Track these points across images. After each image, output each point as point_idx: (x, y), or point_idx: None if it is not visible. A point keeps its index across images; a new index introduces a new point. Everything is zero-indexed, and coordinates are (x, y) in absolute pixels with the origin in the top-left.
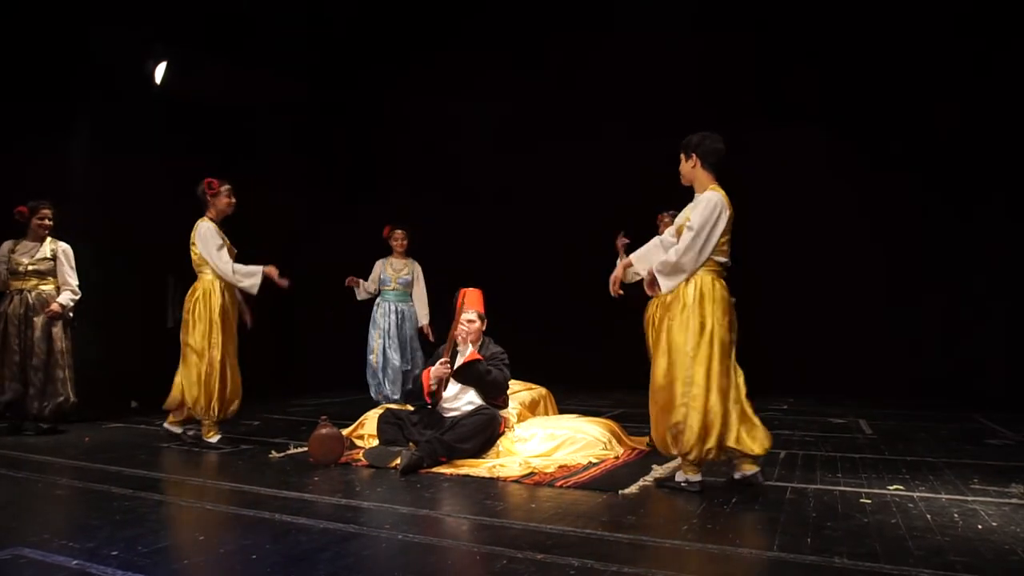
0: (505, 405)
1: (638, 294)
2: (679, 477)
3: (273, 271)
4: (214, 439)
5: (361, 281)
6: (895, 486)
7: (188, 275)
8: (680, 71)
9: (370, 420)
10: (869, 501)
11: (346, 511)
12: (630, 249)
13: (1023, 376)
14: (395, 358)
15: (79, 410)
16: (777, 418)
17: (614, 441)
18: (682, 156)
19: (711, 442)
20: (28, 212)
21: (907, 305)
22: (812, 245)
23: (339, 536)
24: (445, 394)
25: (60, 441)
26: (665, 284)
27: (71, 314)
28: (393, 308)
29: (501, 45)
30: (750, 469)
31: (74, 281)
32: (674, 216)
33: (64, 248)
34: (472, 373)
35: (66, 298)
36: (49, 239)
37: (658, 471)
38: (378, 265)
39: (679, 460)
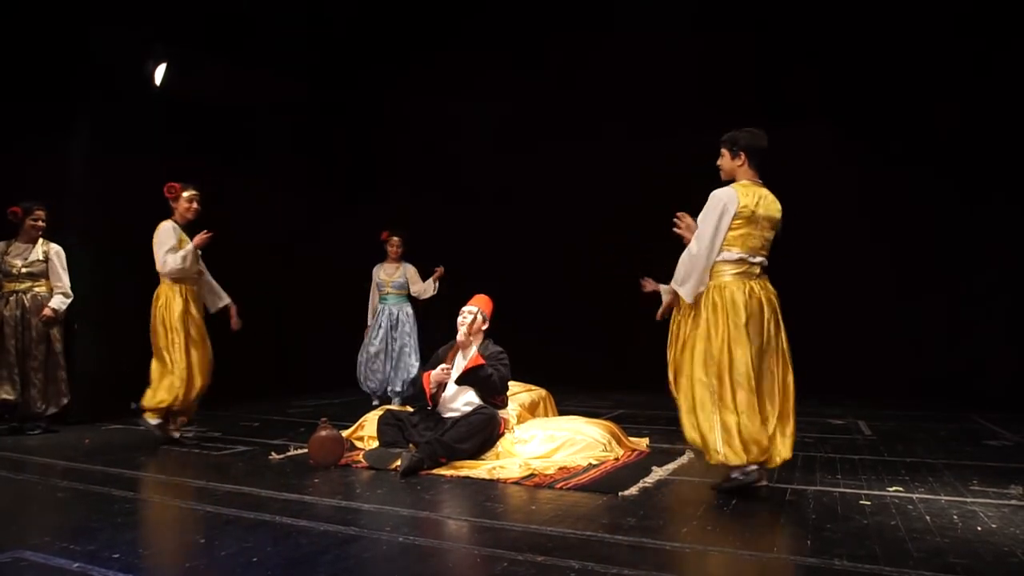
0: (504, 405)
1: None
2: (733, 472)
3: (202, 238)
4: (154, 421)
5: (369, 318)
6: (894, 487)
7: None
8: (680, 71)
9: (370, 422)
10: (869, 503)
11: (346, 513)
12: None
13: (1022, 377)
14: (378, 352)
15: (79, 411)
16: None
17: (614, 443)
18: (725, 152)
19: (737, 449)
20: (21, 213)
21: (906, 305)
22: (811, 245)
23: (339, 538)
24: (444, 394)
25: (60, 442)
26: (684, 291)
27: (64, 316)
28: (387, 311)
29: (501, 45)
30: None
31: (66, 283)
32: None
33: (56, 250)
34: (474, 378)
35: (57, 302)
36: (41, 240)
37: (658, 472)
38: (375, 270)
39: (678, 461)
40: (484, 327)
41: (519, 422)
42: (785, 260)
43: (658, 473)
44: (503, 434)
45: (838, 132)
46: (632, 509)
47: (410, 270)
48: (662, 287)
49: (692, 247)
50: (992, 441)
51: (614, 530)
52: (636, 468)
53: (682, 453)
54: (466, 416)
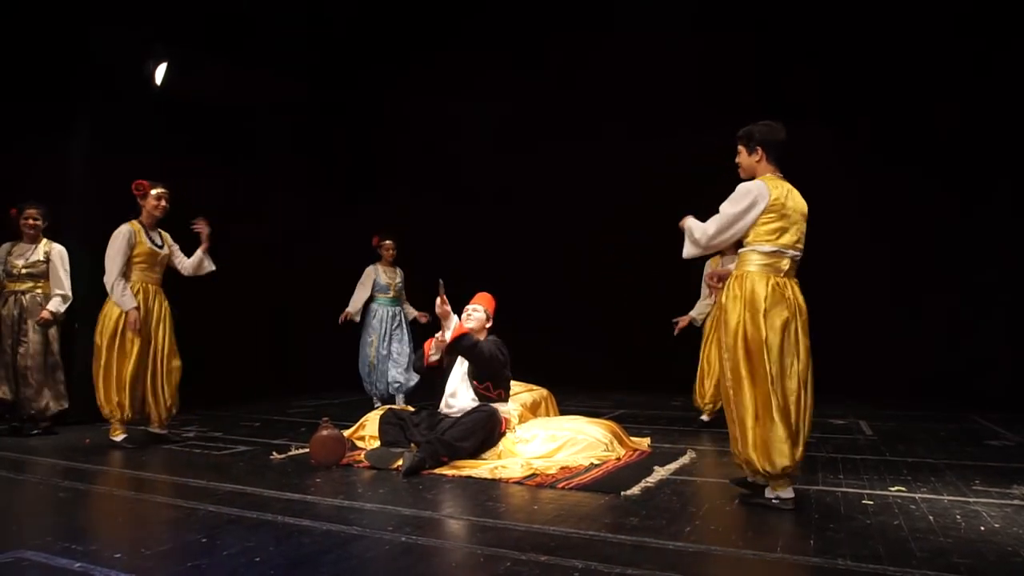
0: (505, 399)
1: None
2: (769, 494)
3: (202, 230)
4: (119, 438)
5: (350, 311)
6: (897, 487)
7: (187, 276)
8: (680, 71)
9: (371, 421)
10: (871, 503)
11: (348, 513)
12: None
13: (1022, 377)
14: (387, 354)
15: (79, 412)
16: None
17: (615, 442)
18: (742, 148)
19: (800, 448)
20: (15, 214)
21: (907, 305)
22: (811, 245)
23: (342, 538)
24: (445, 393)
25: (60, 443)
26: (685, 249)
27: (63, 318)
28: (387, 312)
29: (501, 45)
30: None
31: (66, 284)
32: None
33: (58, 250)
34: (462, 348)
35: (55, 304)
36: (44, 241)
37: (660, 472)
38: (370, 271)
39: (680, 461)
40: (488, 324)
41: (521, 422)
42: None
43: (660, 473)
44: (504, 433)
45: (838, 132)
46: (634, 509)
47: (401, 275)
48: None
49: (710, 225)
50: (993, 441)
51: (617, 530)
52: (638, 468)
53: (683, 453)
54: (466, 414)
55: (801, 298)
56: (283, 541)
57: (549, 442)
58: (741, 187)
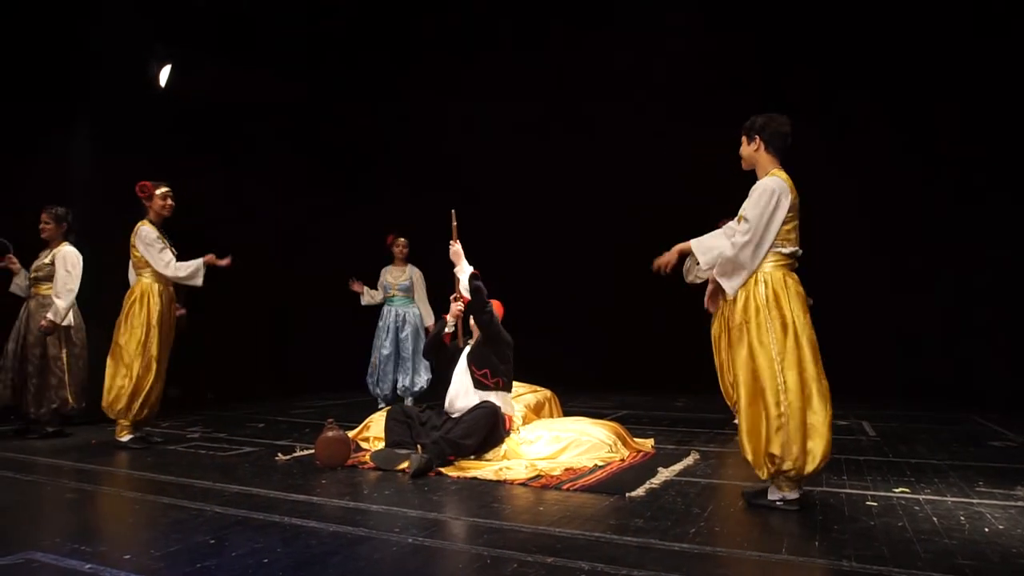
0: (504, 387)
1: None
2: (773, 495)
3: (212, 258)
4: (126, 438)
5: (366, 288)
6: (901, 489)
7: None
8: (680, 71)
9: (375, 422)
10: (875, 504)
11: (355, 514)
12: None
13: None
14: (390, 355)
15: (85, 413)
16: None
17: (619, 443)
18: (744, 139)
19: (817, 452)
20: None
21: (907, 305)
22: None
23: (349, 539)
24: (448, 392)
25: (66, 444)
26: (728, 286)
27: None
28: (394, 313)
29: (501, 45)
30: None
31: (67, 287)
32: None
33: (64, 253)
34: (476, 285)
35: (52, 312)
36: (64, 244)
37: (664, 473)
38: (382, 273)
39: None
40: None
41: (525, 423)
42: None
43: (664, 474)
44: (508, 432)
45: (838, 132)
46: (639, 510)
47: (416, 274)
48: (695, 247)
49: (740, 238)
50: (996, 442)
51: (622, 531)
52: (642, 469)
53: (687, 454)
54: (468, 412)
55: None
56: (291, 542)
57: (553, 443)
58: (762, 186)
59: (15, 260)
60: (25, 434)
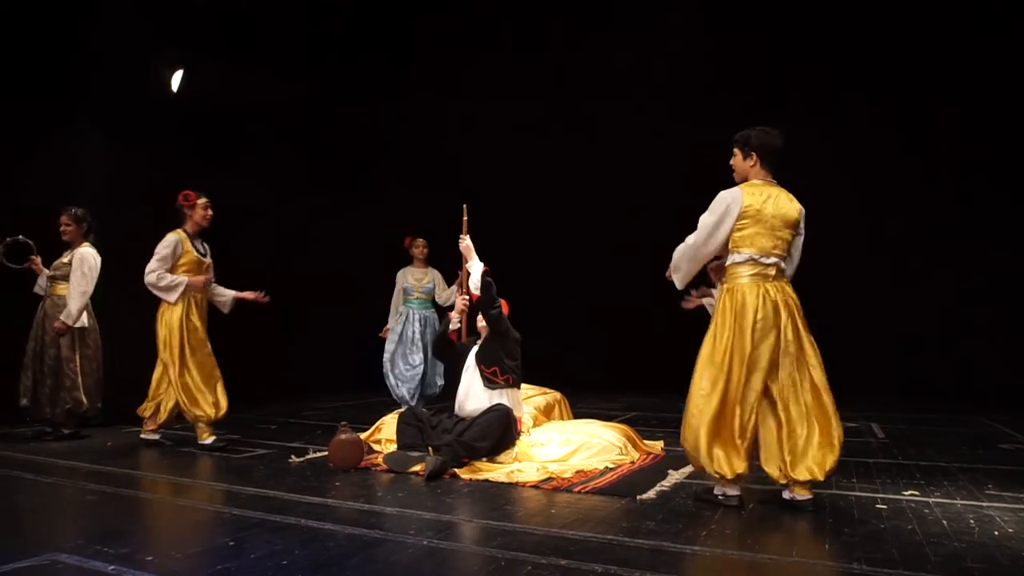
0: (513, 384)
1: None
2: (717, 490)
3: (246, 295)
4: (208, 440)
5: (388, 327)
6: (910, 491)
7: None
8: (680, 71)
9: (387, 424)
10: (885, 506)
11: (370, 516)
12: None
13: None
14: (416, 360)
15: (99, 416)
16: None
17: (629, 446)
18: (737, 152)
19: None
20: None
21: (907, 305)
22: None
23: (365, 542)
24: (459, 394)
25: (83, 447)
26: (676, 279)
27: (84, 324)
28: (417, 316)
29: (501, 45)
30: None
31: (79, 289)
32: None
33: (81, 255)
34: (487, 282)
35: (64, 314)
36: (84, 244)
37: (674, 476)
38: (400, 275)
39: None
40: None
41: (535, 425)
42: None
43: (675, 476)
44: (519, 434)
45: (838, 132)
46: (651, 512)
47: (437, 276)
48: (706, 301)
49: (690, 238)
50: (1005, 445)
51: (634, 534)
52: (652, 471)
53: None
54: (481, 415)
55: (792, 295)
56: (308, 544)
57: (564, 446)
58: (718, 196)
59: (39, 261)
60: (42, 436)
